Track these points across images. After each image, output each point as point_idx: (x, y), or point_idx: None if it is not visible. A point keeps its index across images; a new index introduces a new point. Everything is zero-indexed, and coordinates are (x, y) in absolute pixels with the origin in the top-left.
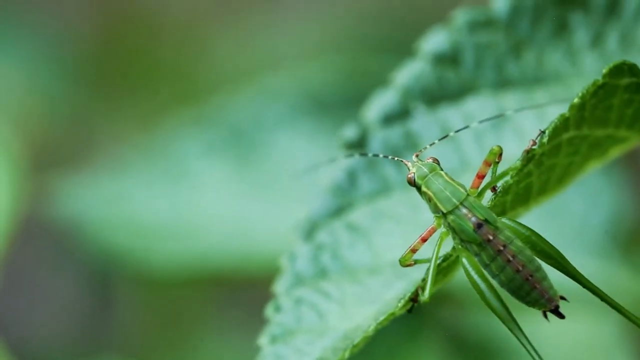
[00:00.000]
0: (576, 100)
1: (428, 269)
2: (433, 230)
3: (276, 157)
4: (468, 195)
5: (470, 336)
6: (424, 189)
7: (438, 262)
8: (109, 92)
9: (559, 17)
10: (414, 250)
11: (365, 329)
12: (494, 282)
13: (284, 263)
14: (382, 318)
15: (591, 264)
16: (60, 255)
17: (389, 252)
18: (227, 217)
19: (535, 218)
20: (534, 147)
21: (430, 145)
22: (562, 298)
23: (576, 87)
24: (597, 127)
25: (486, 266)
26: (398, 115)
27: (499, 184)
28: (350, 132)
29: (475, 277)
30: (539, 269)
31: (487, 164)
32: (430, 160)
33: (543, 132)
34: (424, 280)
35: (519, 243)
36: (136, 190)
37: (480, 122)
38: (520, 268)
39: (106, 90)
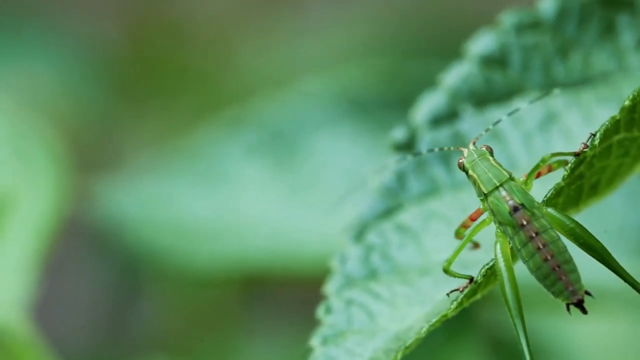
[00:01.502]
0: (627, 102)
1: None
2: (480, 212)
3: (316, 159)
4: (511, 179)
5: (510, 338)
6: (470, 172)
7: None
8: (138, 96)
9: (606, 18)
10: (465, 226)
11: (417, 330)
12: (525, 267)
13: (335, 264)
14: (434, 320)
15: (630, 265)
16: (100, 256)
17: (439, 253)
18: (267, 218)
19: (575, 218)
20: (585, 149)
21: (477, 137)
22: (587, 293)
23: (623, 88)
24: None
25: (518, 251)
26: (446, 117)
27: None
28: (399, 133)
29: (502, 264)
30: (568, 261)
31: (549, 168)
32: (484, 147)
33: (594, 134)
34: (476, 281)
35: (553, 233)
36: (176, 192)
37: (510, 114)
38: (549, 257)
39: (135, 94)
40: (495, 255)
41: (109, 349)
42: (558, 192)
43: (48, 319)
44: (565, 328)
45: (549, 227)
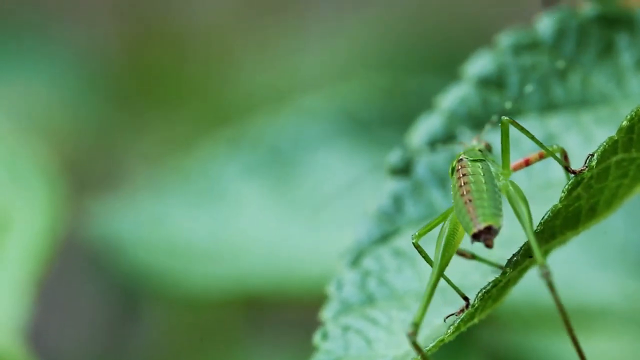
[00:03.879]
0: (625, 122)
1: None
2: None
3: (315, 177)
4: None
5: (509, 356)
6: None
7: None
8: (137, 109)
9: (605, 38)
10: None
11: (414, 356)
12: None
13: (331, 290)
14: (431, 345)
15: (632, 283)
16: (96, 275)
17: None
18: (266, 238)
19: (575, 238)
20: (584, 170)
21: (480, 134)
22: (489, 228)
23: (622, 109)
24: None
25: (454, 193)
26: (443, 140)
27: None
28: (395, 157)
29: (448, 224)
30: (481, 198)
31: (540, 156)
32: (482, 144)
33: (592, 155)
34: (473, 305)
35: (480, 177)
36: (173, 211)
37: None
38: (465, 193)
39: (134, 107)
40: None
41: None
42: (555, 214)
43: (43, 341)
44: (566, 347)
45: (481, 174)
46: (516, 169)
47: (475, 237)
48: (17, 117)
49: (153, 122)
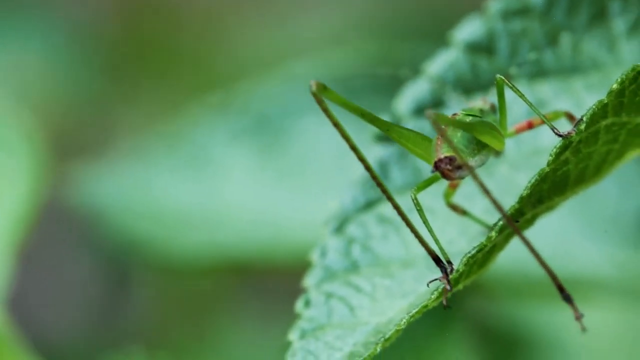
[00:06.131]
0: (615, 85)
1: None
2: None
3: (302, 144)
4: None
5: (498, 326)
6: None
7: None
8: (129, 79)
9: (596, 3)
10: None
11: (397, 322)
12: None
13: (315, 257)
14: (414, 311)
15: (623, 253)
16: (80, 242)
17: (421, 246)
18: (252, 205)
19: (566, 205)
20: (572, 134)
21: (488, 95)
22: (450, 159)
23: (614, 75)
24: (637, 113)
25: None
26: (431, 106)
27: None
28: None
29: None
30: (452, 136)
31: (540, 120)
32: (488, 105)
33: (581, 118)
34: (457, 271)
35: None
36: (159, 178)
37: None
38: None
39: (126, 77)
40: None
41: (89, 338)
42: (543, 178)
43: (26, 308)
44: (558, 318)
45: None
46: (520, 130)
47: (436, 166)
48: (8, 87)
49: (145, 92)
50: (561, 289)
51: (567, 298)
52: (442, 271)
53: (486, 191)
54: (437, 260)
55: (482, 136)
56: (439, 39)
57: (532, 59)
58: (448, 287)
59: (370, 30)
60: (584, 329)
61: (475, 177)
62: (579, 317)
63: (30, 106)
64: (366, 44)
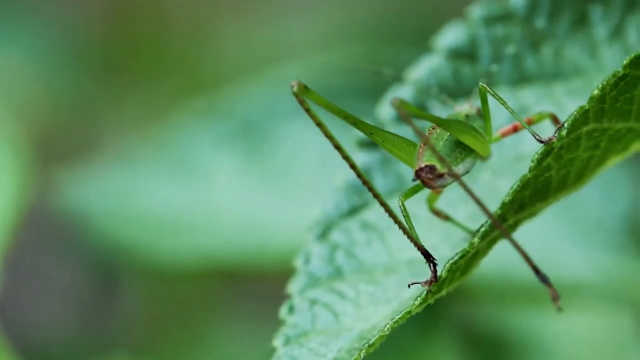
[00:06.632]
0: (596, 91)
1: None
2: None
3: (287, 148)
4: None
5: (483, 331)
6: None
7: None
8: (115, 81)
9: (578, 9)
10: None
11: (381, 328)
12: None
13: (298, 263)
14: (398, 317)
15: (608, 258)
16: (66, 247)
17: (405, 251)
18: (237, 209)
19: (551, 210)
20: (553, 140)
21: (472, 97)
22: (431, 168)
23: (596, 81)
24: (618, 119)
25: None
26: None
27: None
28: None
29: None
30: (433, 145)
31: (529, 121)
32: (474, 109)
33: (562, 124)
34: (440, 277)
35: (444, 133)
36: (144, 183)
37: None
38: (425, 141)
39: (112, 79)
40: None
41: (75, 342)
42: (524, 184)
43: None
44: (546, 323)
45: (446, 135)
46: (505, 134)
47: (417, 175)
48: None
49: (132, 95)
50: (537, 271)
51: (544, 279)
52: (430, 266)
53: (471, 193)
54: (426, 255)
55: (464, 137)
56: (423, 44)
57: (510, 54)
58: (434, 280)
59: (354, 34)
60: (560, 309)
61: (462, 185)
62: (555, 297)
63: (15, 110)
64: (350, 48)
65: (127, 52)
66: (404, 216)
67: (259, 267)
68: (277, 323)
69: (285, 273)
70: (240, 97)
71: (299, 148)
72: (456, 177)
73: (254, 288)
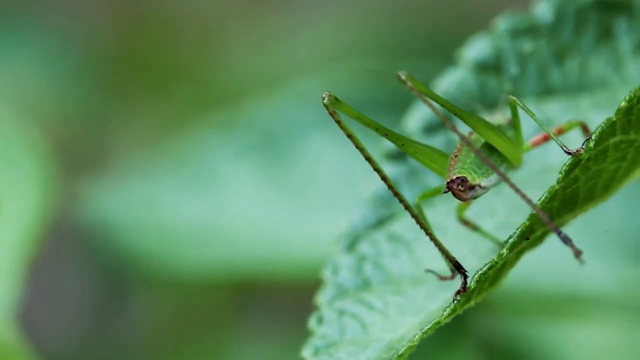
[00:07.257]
0: (623, 103)
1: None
2: None
3: (307, 162)
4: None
5: (503, 343)
6: None
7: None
8: (126, 94)
9: (603, 22)
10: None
11: (409, 339)
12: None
13: (326, 274)
14: (427, 327)
15: (627, 270)
16: (86, 259)
17: (433, 263)
18: (257, 222)
19: (571, 225)
20: (580, 151)
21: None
22: (462, 180)
23: (621, 94)
24: None
25: None
26: (440, 124)
27: None
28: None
29: None
30: (465, 155)
31: (559, 130)
32: (505, 119)
33: (590, 136)
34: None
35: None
36: (164, 194)
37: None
38: (456, 152)
39: (123, 92)
40: None
41: (94, 352)
42: (552, 196)
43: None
44: (561, 334)
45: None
46: (536, 144)
47: (449, 187)
48: (5, 101)
49: (144, 107)
50: (558, 232)
51: (565, 239)
52: (461, 277)
53: (515, 188)
54: (457, 265)
55: (495, 141)
56: (437, 56)
57: (515, 75)
58: (463, 291)
59: (366, 48)
60: (582, 262)
61: (506, 181)
62: (577, 253)
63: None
64: (367, 60)
65: (138, 66)
66: (422, 217)
67: (277, 279)
68: (295, 335)
69: (303, 285)
70: (258, 110)
71: (319, 161)
72: (502, 176)
73: (273, 300)
